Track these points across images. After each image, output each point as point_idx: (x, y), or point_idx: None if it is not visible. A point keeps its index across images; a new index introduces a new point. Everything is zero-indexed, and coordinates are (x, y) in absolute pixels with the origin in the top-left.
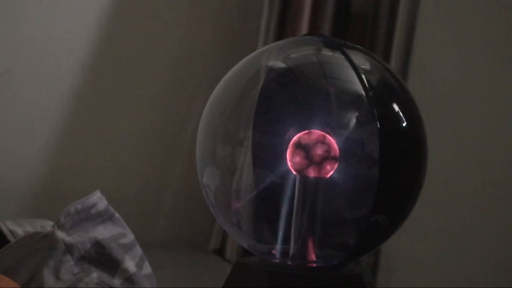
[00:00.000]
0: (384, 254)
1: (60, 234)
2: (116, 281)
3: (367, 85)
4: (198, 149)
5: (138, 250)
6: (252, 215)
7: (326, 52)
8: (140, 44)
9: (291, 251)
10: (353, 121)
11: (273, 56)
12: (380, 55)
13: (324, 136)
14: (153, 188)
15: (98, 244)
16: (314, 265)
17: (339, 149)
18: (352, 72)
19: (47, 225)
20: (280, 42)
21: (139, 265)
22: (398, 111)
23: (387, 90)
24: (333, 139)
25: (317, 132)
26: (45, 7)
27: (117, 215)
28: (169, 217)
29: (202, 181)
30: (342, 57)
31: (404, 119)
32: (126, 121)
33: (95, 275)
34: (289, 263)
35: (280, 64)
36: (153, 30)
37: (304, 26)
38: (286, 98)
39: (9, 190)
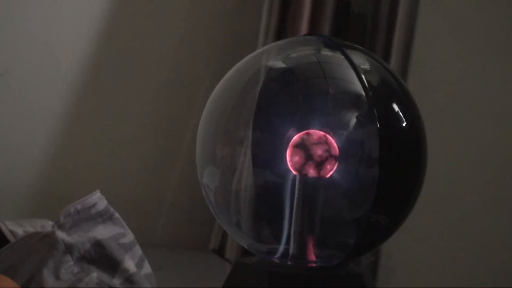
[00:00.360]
0: (384, 254)
1: (60, 234)
2: (116, 281)
3: (367, 85)
4: (198, 149)
5: (138, 250)
6: (252, 215)
7: (326, 52)
8: (140, 44)
9: (291, 251)
10: (353, 121)
11: (273, 56)
12: (380, 55)
13: (324, 136)
14: (153, 188)
15: (98, 244)
16: (314, 265)
17: (339, 149)
18: (352, 72)
19: (47, 225)
20: (280, 42)
21: (139, 265)
22: (398, 111)
23: (387, 90)
24: (333, 139)
25: (316, 132)
26: (45, 7)
27: (117, 215)
28: (169, 217)
29: (202, 181)
30: (342, 57)
31: (404, 119)
32: (126, 121)
33: (95, 275)
34: (289, 263)
35: (280, 64)
36: (153, 30)
37: (304, 26)
38: (286, 98)
39: (9, 190)
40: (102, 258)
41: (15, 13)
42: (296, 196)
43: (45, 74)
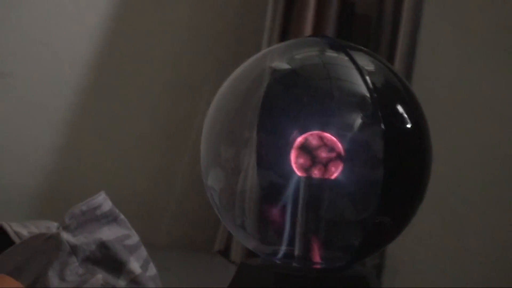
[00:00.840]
0: (389, 255)
1: (65, 235)
2: (121, 282)
3: (371, 87)
4: (202, 150)
5: (143, 252)
6: (257, 216)
7: (330, 54)
8: (143, 45)
9: (296, 253)
10: (358, 123)
11: (277, 57)
12: (384, 56)
13: (329, 138)
14: (158, 190)
15: (103, 245)
16: (319, 266)
17: (344, 151)
18: (356, 73)
19: (52, 226)
20: (284, 43)
21: (144, 267)
22: (402, 112)
23: (392, 91)
24: (338, 140)
25: (321, 134)
26: (48, 9)
27: (122, 216)
28: (174, 218)
29: (207, 183)
30: (346, 58)
31: (408, 120)
32: (130, 122)
33: (100, 276)
34: (294, 264)
35: (284, 65)
36: (157, 31)
37: (308, 27)
38: (290, 100)
39: (13, 191)
40: (107, 259)
41: (17, 15)
42: (301, 197)
43: (48, 75)
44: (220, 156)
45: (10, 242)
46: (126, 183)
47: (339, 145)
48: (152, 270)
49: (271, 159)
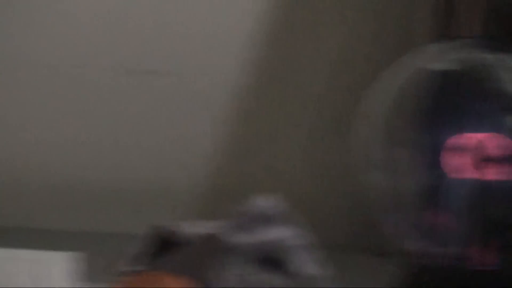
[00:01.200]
0: None
1: (228, 236)
2: (284, 282)
3: None
4: (361, 151)
5: (309, 252)
6: (419, 219)
7: (489, 55)
8: (300, 46)
9: (458, 254)
10: None
11: (436, 59)
12: None
13: (491, 139)
14: (321, 191)
15: (266, 246)
16: (484, 268)
17: (507, 152)
18: None
19: (215, 227)
20: (439, 44)
21: (310, 267)
22: None
23: None
24: (500, 142)
25: (483, 135)
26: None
27: (288, 217)
28: (339, 219)
29: (366, 183)
30: (506, 59)
31: None
32: (292, 123)
33: (263, 276)
34: (457, 266)
35: (443, 67)
36: (315, 32)
37: (464, 29)
38: (451, 101)
39: (176, 192)
40: (271, 259)
41: (175, 12)
42: (464, 199)
43: (209, 74)
44: (379, 157)
45: (174, 244)
46: (290, 183)
47: (503, 146)
48: (318, 270)
49: (430, 160)
